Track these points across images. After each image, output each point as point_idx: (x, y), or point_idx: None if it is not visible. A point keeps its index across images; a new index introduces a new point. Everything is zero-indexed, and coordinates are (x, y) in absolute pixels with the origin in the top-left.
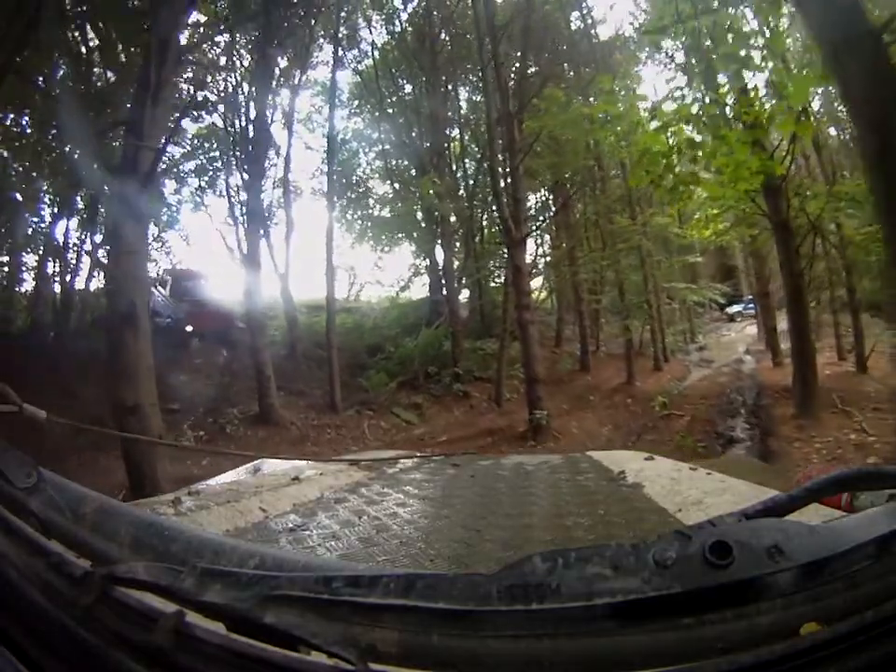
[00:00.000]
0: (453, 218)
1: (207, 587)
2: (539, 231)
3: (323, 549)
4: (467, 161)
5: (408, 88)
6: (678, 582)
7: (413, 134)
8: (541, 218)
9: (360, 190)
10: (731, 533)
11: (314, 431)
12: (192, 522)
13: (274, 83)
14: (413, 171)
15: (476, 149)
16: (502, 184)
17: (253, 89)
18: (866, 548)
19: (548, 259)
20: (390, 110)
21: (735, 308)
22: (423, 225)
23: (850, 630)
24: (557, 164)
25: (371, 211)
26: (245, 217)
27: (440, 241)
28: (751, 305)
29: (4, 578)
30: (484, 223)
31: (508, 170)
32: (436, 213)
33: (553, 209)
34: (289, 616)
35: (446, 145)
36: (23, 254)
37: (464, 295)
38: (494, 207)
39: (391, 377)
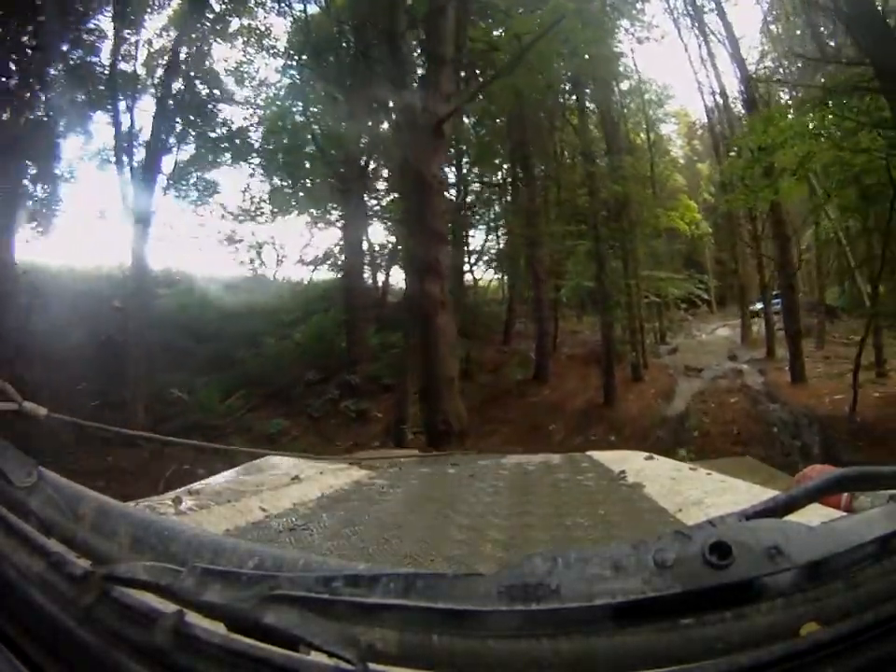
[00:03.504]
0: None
1: (207, 587)
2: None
3: (323, 548)
4: None
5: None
6: (678, 583)
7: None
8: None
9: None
10: (731, 533)
11: None
12: (192, 521)
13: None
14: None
15: None
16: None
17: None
18: (866, 548)
19: (496, 226)
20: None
21: (760, 305)
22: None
23: (850, 630)
24: (526, 87)
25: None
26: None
27: (338, 184)
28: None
29: (4, 578)
30: None
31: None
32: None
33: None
34: (289, 616)
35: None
36: None
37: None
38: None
39: (251, 385)
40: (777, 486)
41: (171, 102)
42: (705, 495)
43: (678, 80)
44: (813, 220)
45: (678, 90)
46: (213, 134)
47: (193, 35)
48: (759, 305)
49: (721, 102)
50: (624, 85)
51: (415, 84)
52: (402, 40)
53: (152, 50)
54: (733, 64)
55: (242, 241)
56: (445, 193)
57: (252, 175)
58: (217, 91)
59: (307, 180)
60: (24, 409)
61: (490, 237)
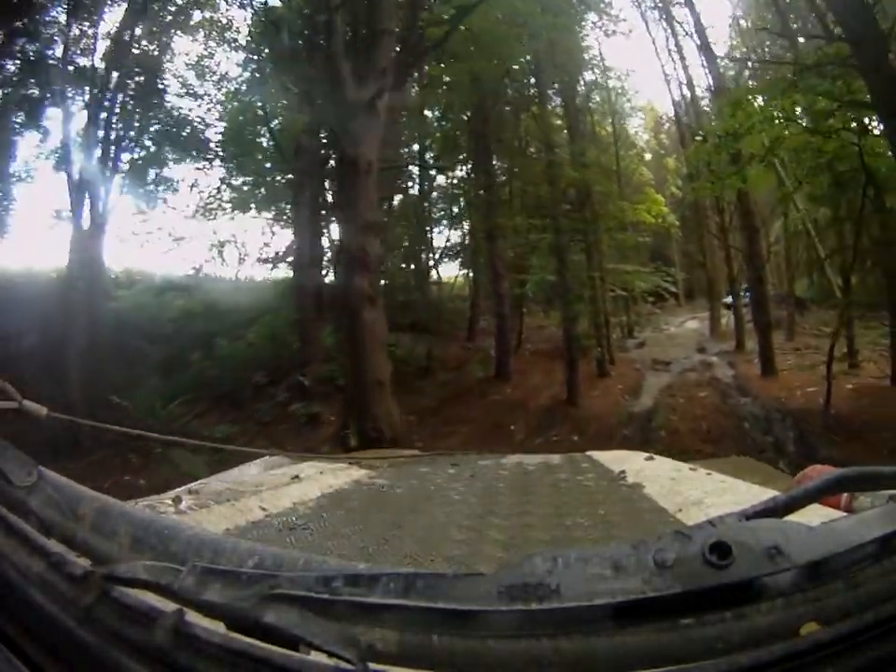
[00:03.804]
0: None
1: (207, 586)
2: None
3: (323, 548)
4: None
5: None
6: (677, 583)
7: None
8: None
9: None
10: (731, 533)
11: None
12: (192, 521)
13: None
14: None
15: None
16: None
17: None
18: (866, 548)
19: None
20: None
21: (731, 298)
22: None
23: (850, 630)
24: (482, 72)
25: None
26: None
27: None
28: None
29: (4, 578)
30: None
31: None
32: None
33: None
34: (289, 615)
35: None
36: None
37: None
38: None
39: (201, 389)
40: (777, 486)
41: (121, 95)
42: (705, 495)
43: (645, 75)
44: (782, 211)
45: (645, 84)
46: (158, 127)
47: (154, 28)
48: (730, 298)
49: (688, 94)
50: (590, 75)
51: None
52: (337, 13)
53: (110, 45)
54: (700, 56)
55: (188, 239)
56: (410, 189)
57: (201, 170)
58: (161, 83)
59: (266, 176)
60: (24, 408)
61: (453, 231)
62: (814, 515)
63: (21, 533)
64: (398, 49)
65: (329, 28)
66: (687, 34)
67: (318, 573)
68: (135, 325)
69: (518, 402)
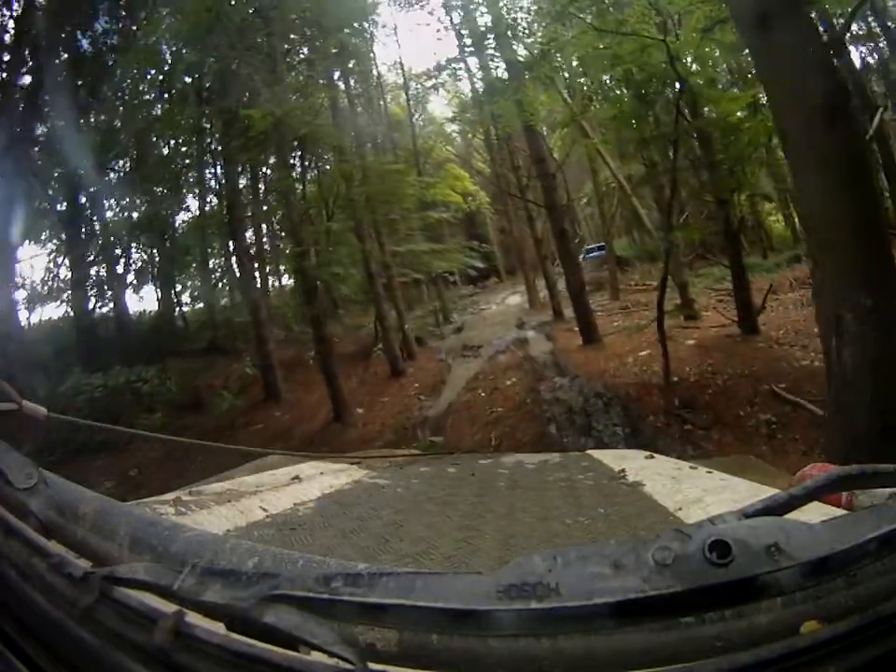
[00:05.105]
0: None
1: (207, 587)
2: None
3: (323, 548)
4: None
5: None
6: (677, 581)
7: None
8: None
9: None
10: (730, 531)
11: None
12: (192, 521)
13: None
14: None
15: None
16: None
17: None
18: (866, 546)
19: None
20: None
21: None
22: None
23: (850, 629)
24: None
25: None
26: None
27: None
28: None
29: (4, 578)
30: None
31: None
32: None
33: None
34: (289, 616)
35: None
36: None
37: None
38: None
39: None
40: (777, 485)
41: None
42: (704, 493)
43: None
44: (591, 167)
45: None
46: None
47: None
48: (581, 257)
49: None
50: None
51: None
52: None
53: None
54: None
55: None
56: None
57: None
58: None
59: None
60: (24, 409)
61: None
62: (814, 513)
63: (21, 534)
64: None
65: None
66: None
67: (318, 573)
68: None
69: (283, 430)
